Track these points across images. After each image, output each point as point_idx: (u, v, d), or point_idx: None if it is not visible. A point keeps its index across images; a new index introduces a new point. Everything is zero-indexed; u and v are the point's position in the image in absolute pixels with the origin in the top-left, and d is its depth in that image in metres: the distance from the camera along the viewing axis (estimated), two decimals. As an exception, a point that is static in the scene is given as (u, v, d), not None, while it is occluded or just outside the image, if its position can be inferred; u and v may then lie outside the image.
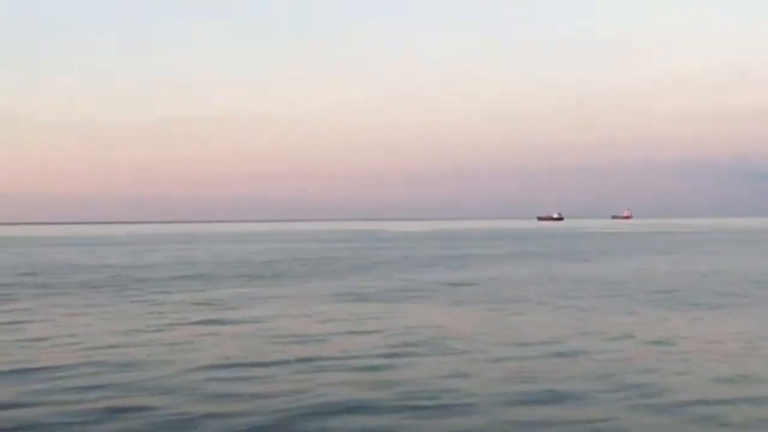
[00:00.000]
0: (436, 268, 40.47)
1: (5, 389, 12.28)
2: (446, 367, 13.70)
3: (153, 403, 11.25)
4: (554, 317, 20.35)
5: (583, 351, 15.22)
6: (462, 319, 20.20)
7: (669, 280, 31.47)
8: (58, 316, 21.49)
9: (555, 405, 10.99)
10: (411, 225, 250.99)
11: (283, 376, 13.07)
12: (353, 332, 18.03)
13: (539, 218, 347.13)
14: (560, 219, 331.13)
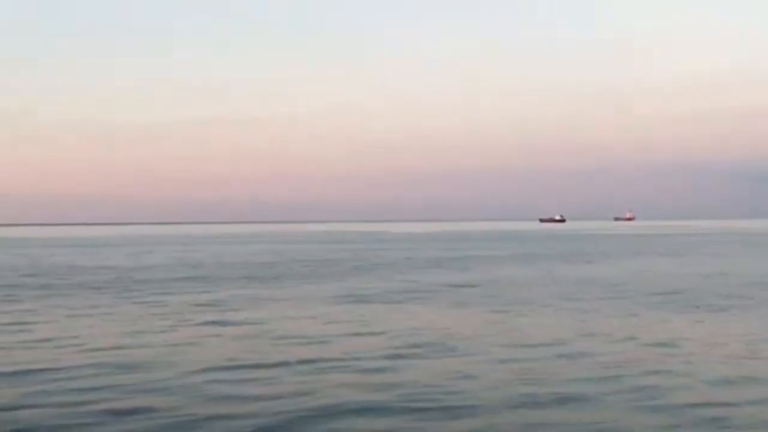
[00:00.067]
0: (438, 270, 40.43)
1: (9, 390, 12.27)
2: (450, 369, 13.67)
3: (156, 405, 11.24)
4: (558, 319, 20.31)
5: (586, 353, 15.18)
6: (465, 320, 20.17)
7: (672, 282, 31.42)
8: (60, 318, 21.48)
9: (559, 407, 10.96)
10: (412, 226, 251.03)
11: (287, 378, 13.05)
12: (356, 334, 18.00)
13: (541, 220, 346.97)
14: (562, 221, 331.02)
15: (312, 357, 14.96)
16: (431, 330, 18.41)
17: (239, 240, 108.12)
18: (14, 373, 13.59)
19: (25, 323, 20.32)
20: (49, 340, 17.42)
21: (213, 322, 20.21)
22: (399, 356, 15.02)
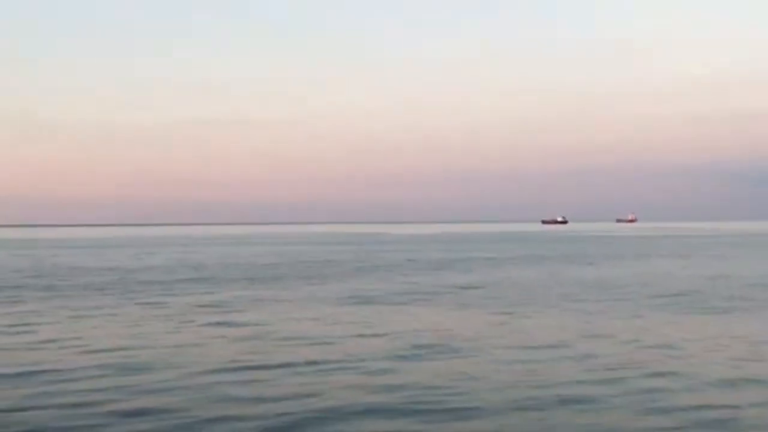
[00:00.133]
0: (440, 272, 40.44)
1: (14, 392, 12.29)
2: (454, 371, 13.68)
3: (161, 406, 11.25)
4: (561, 320, 20.31)
5: (590, 354, 15.19)
6: (468, 322, 20.18)
7: (674, 284, 31.40)
8: (64, 319, 21.51)
9: (563, 408, 10.96)
10: (413, 228, 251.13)
11: (291, 379, 13.05)
12: (360, 335, 18.01)
13: (543, 222, 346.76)
14: (564, 222, 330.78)
15: (316, 358, 14.98)
16: (435, 331, 18.42)
17: (240, 241, 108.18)
18: (19, 375, 13.61)
19: (29, 324, 20.34)
20: (53, 341, 17.45)
21: (216, 324, 20.23)
22: (403, 358, 15.04)
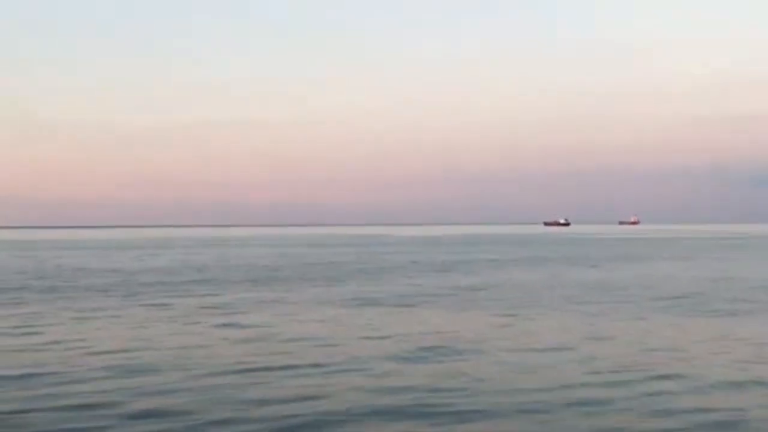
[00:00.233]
0: (444, 273, 40.43)
1: (18, 393, 12.31)
2: (459, 373, 13.68)
3: (165, 408, 11.26)
4: (565, 323, 20.31)
5: (594, 356, 15.18)
6: (473, 324, 20.17)
7: (677, 286, 31.38)
8: (68, 320, 21.54)
9: (568, 411, 10.96)
10: (416, 230, 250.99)
11: (296, 381, 13.06)
12: (364, 337, 18.02)
13: (546, 223, 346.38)
14: (567, 224, 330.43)
15: (321, 360, 14.98)
16: (439, 333, 18.41)
17: (241, 242, 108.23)
18: (23, 376, 13.63)
19: (34, 326, 20.37)
20: (57, 342, 17.47)
21: (221, 325, 20.24)
22: (408, 360, 15.04)
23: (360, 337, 17.99)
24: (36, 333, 19.03)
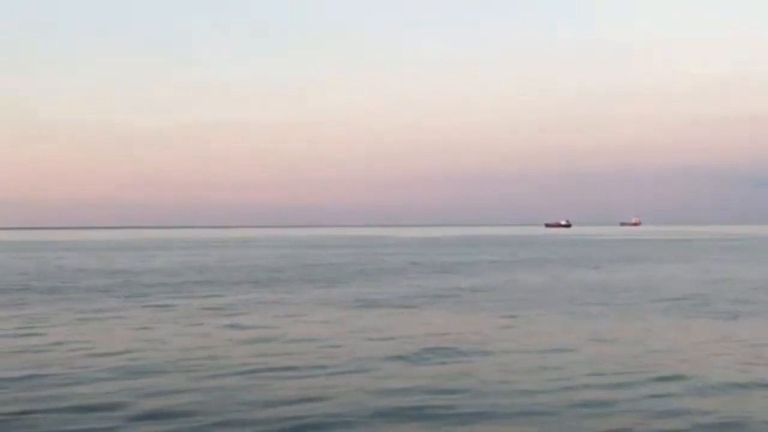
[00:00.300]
0: (446, 275, 40.44)
1: (22, 394, 12.32)
2: (462, 374, 13.69)
3: (169, 410, 11.28)
4: (567, 324, 20.32)
5: (597, 358, 15.19)
6: (475, 325, 20.18)
7: (679, 288, 31.38)
8: (71, 321, 21.55)
9: (573, 412, 10.97)
10: (416, 231, 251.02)
11: (299, 383, 13.07)
12: (367, 339, 18.03)
13: (547, 225, 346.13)
14: (568, 226, 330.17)
15: (324, 362, 14.99)
16: (442, 335, 18.41)
17: (243, 244, 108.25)
18: (27, 378, 13.64)
19: (37, 327, 20.38)
20: (60, 344, 17.48)
21: (224, 327, 20.25)
22: (411, 361, 15.04)
23: (362, 339, 18.00)
24: (39, 334, 19.04)
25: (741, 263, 50.27)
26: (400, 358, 15.42)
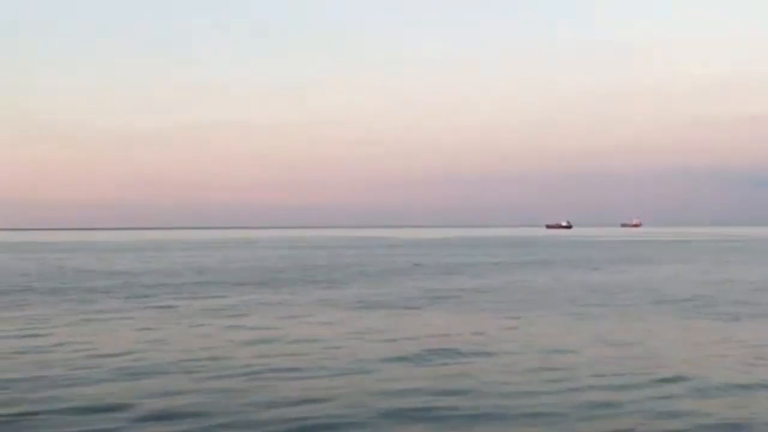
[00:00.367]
0: (448, 276, 40.43)
1: (25, 395, 12.32)
2: (466, 376, 13.69)
3: (172, 411, 11.29)
4: (570, 326, 20.32)
5: (600, 359, 15.20)
6: (479, 326, 20.16)
7: (681, 289, 31.36)
8: (72, 322, 21.55)
9: (577, 414, 10.97)
10: (417, 232, 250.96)
11: (303, 384, 13.07)
12: (370, 340, 18.03)
13: (548, 226, 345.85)
14: (569, 227, 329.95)
15: (327, 363, 14.99)
16: (445, 336, 18.40)
17: (243, 245, 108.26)
18: (30, 379, 13.65)
19: (39, 328, 20.37)
20: (63, 344, 17.48)
21: (227, 328, 20.25)
22: (414, 362, 15.04)
23: (365, 340, 18.00)
24: (41, 335, 19.05)
25: (742, 264, 50.25)
26: (402, 359, 15.42)
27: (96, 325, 20.95)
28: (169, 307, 25.69)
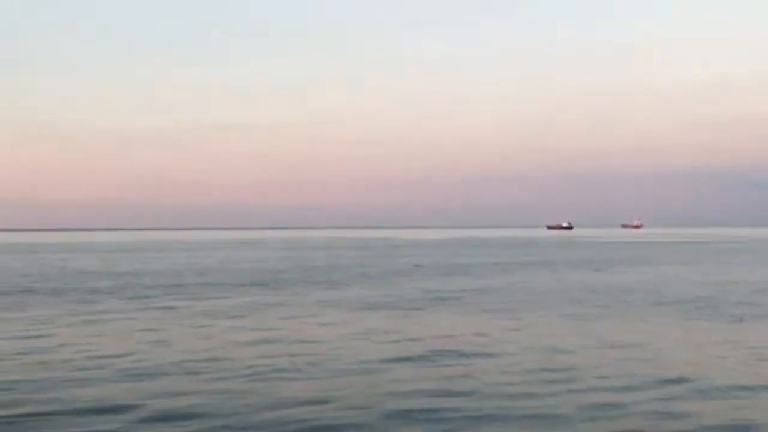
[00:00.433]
0: (449, 277, 40.42)
1: (27, 396, 12.32)
2: (470, 377, 13.69)
3: (175, 413, 11.29)
4: (572, 327, 20.31)
5: (603, 361, 15.19)
6: (481, 327, 20.15)
7: (683, 291, 31.35)
8: (75, 323, 21.56)
9: (579, 414, 10.96)
10: (419, 233, 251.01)
11: (306, 385, 13.06)
12: (373, 341, 18.03)
13: (548, 227, 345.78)
14: (570, 228, 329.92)
15: (330, 364, 14.98)
16: (447, 337, 18.39)
17: (244, 246, 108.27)
18: (33, 380, 13.65)
19: (42, 329, 20.37)
20: (66, 345, 17.47)
21: (228, 329, 20.25)
22: (417, 363, 15.04)
23: (368, 341, 17.99)
24: (44, 336, 19.05)
25: (743, 266, 50.23)
26: (405, 360, 15.41)
27: (98, 326, 20.95)
28: (171, 308, 25.69)
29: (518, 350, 16.53)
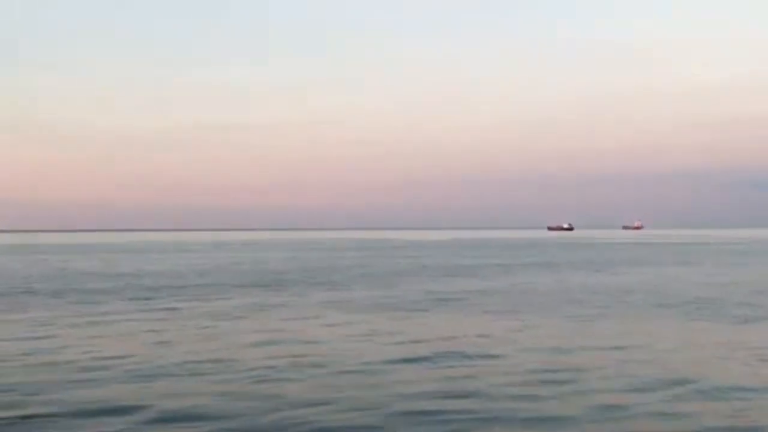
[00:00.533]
0: (452, 278, 40.44)
1: (30, 398, 12.33)
2: (473, 378, 13.69)
3: (178, 413, 11.29)
4: (574, 328, 20.30)
5: (606, 361, 15.18)
6: (484, 328, 20.16)
7: (685, 292, 31.35)
8: (77, 324, 21.56)
9: (583, 416, 10.97)
10: (418, 234, 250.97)
11: (309, 386, 13.06)
12: (376, 342, 18.03)
13: (549, 228, 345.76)
14: (570, 229, 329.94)
15: (332, 366, 14.98)
16: (450, 338, 18.40)
17: (245, 247, 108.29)
18: (36, 381, 13.66)
19: (44, 330, 20.38)
20: (69, 347, 17.48)
21: (231, 330, 20.26)
22: (420, 364, 15.03)
23: (371, 342, 18.00)
24: (47, 337, 19.06)
25: (744, 267, 50.22)
26: (409, 361, 15.42)
27: (100, 328, 20.96)
28: (173, 309, 25.71)
29: (521, 351, 16.54)
